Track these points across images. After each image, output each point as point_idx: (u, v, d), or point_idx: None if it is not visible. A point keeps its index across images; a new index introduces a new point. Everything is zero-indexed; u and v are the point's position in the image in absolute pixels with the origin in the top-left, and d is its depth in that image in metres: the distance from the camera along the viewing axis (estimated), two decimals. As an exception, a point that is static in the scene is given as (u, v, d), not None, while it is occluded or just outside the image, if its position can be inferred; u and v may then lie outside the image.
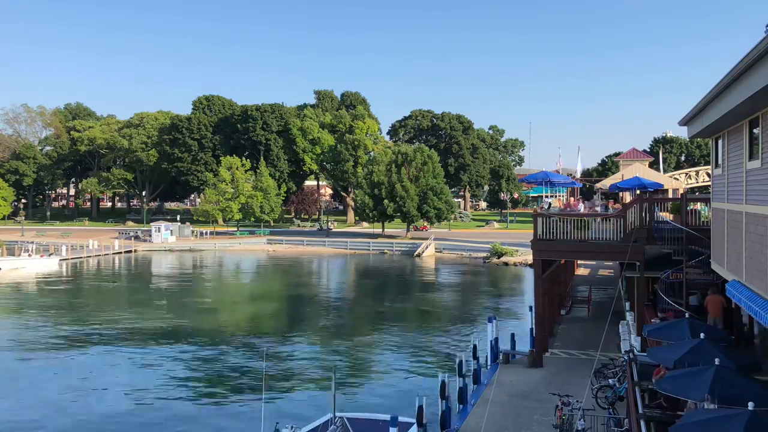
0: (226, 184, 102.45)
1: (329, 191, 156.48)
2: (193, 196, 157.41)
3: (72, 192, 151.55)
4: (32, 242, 77.64)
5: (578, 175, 61.98)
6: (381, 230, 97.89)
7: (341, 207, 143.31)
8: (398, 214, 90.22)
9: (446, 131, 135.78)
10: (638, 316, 22.93)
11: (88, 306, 45.67)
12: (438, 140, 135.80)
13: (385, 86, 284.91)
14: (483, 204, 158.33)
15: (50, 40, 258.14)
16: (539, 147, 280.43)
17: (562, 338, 27.76)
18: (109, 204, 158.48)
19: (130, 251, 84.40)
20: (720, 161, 17.14)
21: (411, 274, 64.63)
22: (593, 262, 53.68)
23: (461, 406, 19.45)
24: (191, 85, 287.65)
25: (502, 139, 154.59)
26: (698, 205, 23.04)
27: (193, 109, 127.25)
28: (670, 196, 38.94)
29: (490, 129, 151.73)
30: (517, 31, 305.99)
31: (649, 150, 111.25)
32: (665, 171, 74.56)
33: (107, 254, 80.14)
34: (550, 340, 26.33)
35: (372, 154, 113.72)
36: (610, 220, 23.06)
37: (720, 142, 17.09)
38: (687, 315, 17.28)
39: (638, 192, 32.09)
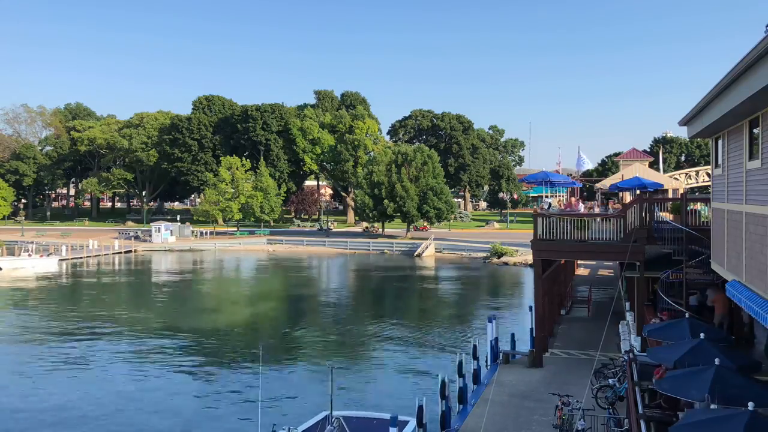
0: (226, 184, 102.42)
1: (329, 191, 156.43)
2: (193, 196, 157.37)
3: (72, 192, 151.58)
4: (32, 242, 77.60)
5: (586, 167, 60.10)
6: (381, 230, 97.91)
7: (341, 207, 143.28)
8: (398, 214, 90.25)
9: (446, 131, 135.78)
10: (638, 316, 22.90)
11: (87, 306, 45.63)
12: (438, 140, 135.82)
13: (385, 86, 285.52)
14: (483, 204, 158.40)
15: (50, 40, 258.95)
16: (539, 147, 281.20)
17: (562, 338, 27.75)
18: (109, 204, 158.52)
19: (130, 251, 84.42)
20: (720, 161, 17.12)
21: (411, 274, 64.62)
22: (593, 262, 53.62)
23: (461, 405, 19.43)
24: (191, 85, 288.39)
25: (502, 139, 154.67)
26: (698, 205, 23.01)
27: (193, 109, 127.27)
28: (670, 196, 38.88)
29: (490, 129, 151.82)
30: (517, 31, 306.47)
31: (649, 150, 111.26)
32: (665, 171, 74.53)
33: (107, 254, 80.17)
34: (550, 340, 26.32)
35: (372, 154, 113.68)
36: (610, 220, 23.05)
37: (720, 142, 17.08)
38: (687, 315, 17.26)
39: (638, 192, 32.06)
